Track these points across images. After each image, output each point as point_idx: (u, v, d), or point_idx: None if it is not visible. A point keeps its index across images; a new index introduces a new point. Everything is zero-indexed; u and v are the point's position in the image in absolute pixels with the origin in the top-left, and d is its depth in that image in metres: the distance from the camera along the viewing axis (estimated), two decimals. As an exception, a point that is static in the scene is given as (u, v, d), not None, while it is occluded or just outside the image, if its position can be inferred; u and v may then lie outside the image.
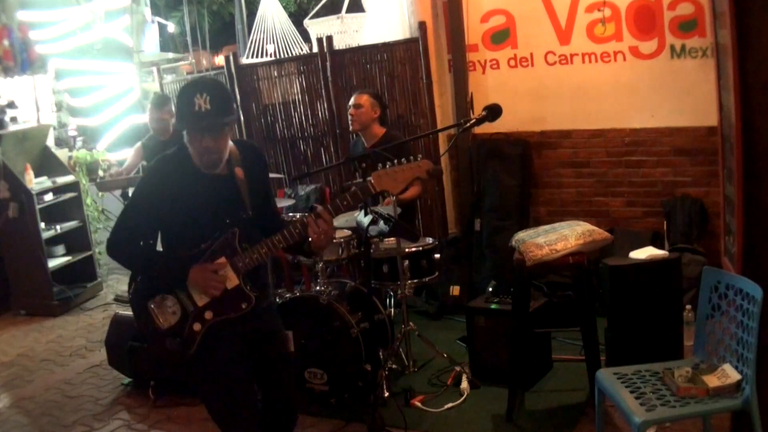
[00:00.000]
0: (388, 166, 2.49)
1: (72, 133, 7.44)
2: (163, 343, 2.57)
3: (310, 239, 2.53)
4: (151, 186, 2.55)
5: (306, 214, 2.55)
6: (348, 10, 7.43)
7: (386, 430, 3.47)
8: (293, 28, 8.33)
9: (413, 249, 4.03)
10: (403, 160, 2.50)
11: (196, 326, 2.54)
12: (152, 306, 2.58)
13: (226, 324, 2.56)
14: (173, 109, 5.34)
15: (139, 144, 5.57)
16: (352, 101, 4.64)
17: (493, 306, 3.91)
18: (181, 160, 2.52)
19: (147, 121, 5.58)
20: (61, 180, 6.35)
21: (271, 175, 5.60)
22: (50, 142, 6.74)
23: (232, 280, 2.53)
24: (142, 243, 2.59)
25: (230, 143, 2.55)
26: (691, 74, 4.59)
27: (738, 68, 2.69)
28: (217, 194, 2.53)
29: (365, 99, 4.56)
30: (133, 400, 4.26)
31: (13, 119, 6.52)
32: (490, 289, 4.05)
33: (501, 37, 5.18)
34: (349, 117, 4.63)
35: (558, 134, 5.14)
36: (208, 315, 2.54)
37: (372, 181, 2.49)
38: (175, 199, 2.49)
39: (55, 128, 7.12)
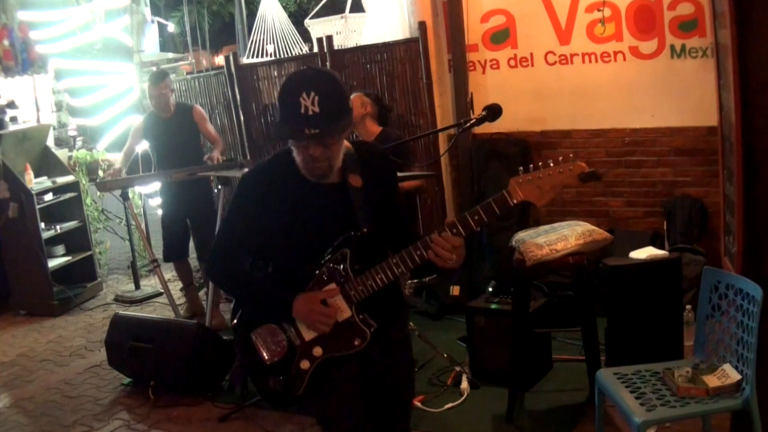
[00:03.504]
0: (531, 170, 2.02)
1: (72, 133, 7.45)
2: (267, 381, 2.21)
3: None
4: (248, 197, 2.14)
5: (432, 233, 2.07)
6: (349, 10, 7.44)
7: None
8: (293, 28, 8.34)
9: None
10: (549, 162, 2.00)
11: (304, 364, 2.15)
12: (256, 337, 2.19)
13: (341, 362, 2.15)
14: (171, 83, 5.34)
15: (138, 124, 5.50)
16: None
17: (493, 306, 3.91)
18: (282, 168, 2.11)
19: (147, 98, 5.51)
20: (61, 180, 6.35)
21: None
22: (50, 142, 6.74)
23: (344, 312, 2.12)
24: (243, 266, 2.22)
25: (346, 145, 2.14)
26: (691, 74, 4.59)
27: (738, 68, 2.69)
28: (326, 207, 2.12)
29: (357, 98, 4.54)
30: (133, 400, 4.26)
31: (13, 119, 6.53)
32: (490, 289, 4.05)
33: (501, 37, 5.18)
34: None
35: (558, 134, 5.14)
36: (317, 351, 2.14)
37: (510, 191, 2.01)
38: (276, 213, 2.11)
39: (54, 128, 7.12)
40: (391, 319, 2.25)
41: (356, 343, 2.13)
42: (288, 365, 2.16)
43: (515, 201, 2.00)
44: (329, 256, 2.12)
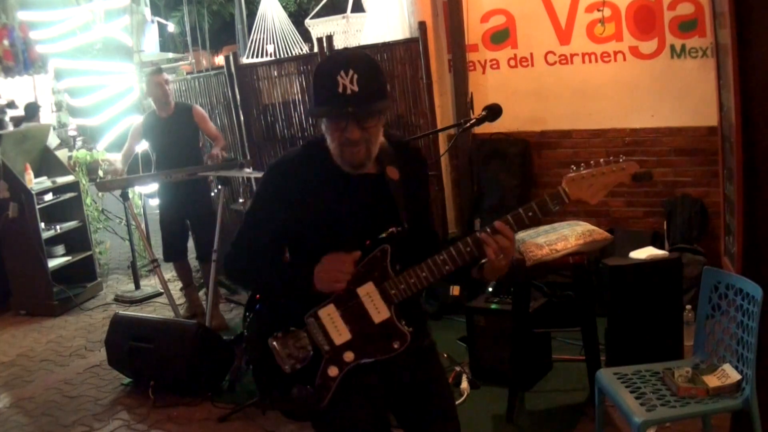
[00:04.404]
0: (582, 169, 1.94)
1: (72, 133, 7.45)
2: (289, 392, 1.98)
3: (482, 261, 1.99)
4: (274, 189, 1.99)
5: (480, 230, 1.96)
6: (350, 10, 7.45)
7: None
8: (293, 28, 8.34)
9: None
10: (601, 161, 1.96)
11: (332, 371, 1.96)
12: (274, 343, 1.99)
13: (369, 369, 1.97)
14: (167, 78, 5.35)
15: (138, 123, 5.50)
16: None
17: (493, 306, 3.91)
18: (314, 157, 1.98)
19: (146, 98, 5.52)
20: (61, 180, 6.35)
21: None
22: (54, 141, 6.74)
23: (382, 312, 1.95)
24: (264, 259, 2.05)
25: (381, 137, 2.00)
26: (691, 74, 4.59)
27: (738, 68, 2.69)
28: (364, 200, 1.98)
29: None
30: (133, 400, 4.26)
31: (13, 119, 6.54)
32: (490, 289, 4.04)
33: (501, 37, 5.18)
34: None
35: (558, 134, 5.15)
36: (348, 356, 1.96)
37: (565, 188, 1.93)
38: (306, 206, 1.95)
39: (54, 128, 7.13)
40: (419, 324, 2.07)
41: (395, 345, 1.96)
42: (312, 373, 1.96)
43: (570, 198, 1.93)
44: (367, 252, 1.96)
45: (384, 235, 1.96)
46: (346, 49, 1.74)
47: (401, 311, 1.97)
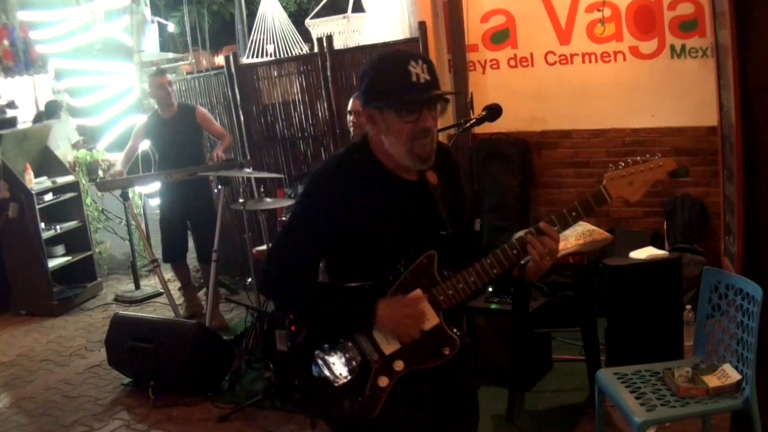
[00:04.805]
0: (621, 167, 1.94)
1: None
2: (340, 405, 1.93)
3: (522, 263, 1.96)
4: (322, 199, 1.89)
5: (526, 231, 1.93)
6: (350, 10, 7.45)
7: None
8: (293, 28, 8.34)
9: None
10: (638, 159, 1.96)
11: (382, 381, 1.90)
12: (322, 356, 1.94)
13: (418, 377, 1.93)
14: (170, 79, 5.35)
15: (141, 124, 5.50)
16: (349, 106, 4.63)
17: (493, 306, 3.91)
18: (360, 163, 1.92)
19: (147, 98, 5.52)
20: (61, 180, 6.35)
21: (271, 175, 5.67)
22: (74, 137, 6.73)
23: (431, 319, 1.91)
24: (309, 277, 1.98)
25: None
26: (691, 74, 4.59)
27: (738, 68, 2.69)
28: (410, 206, 1.92)
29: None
30: (133, 400, 4.26)
31: (13, 119, 6.54)
32: (490, 289, 4.04)
33: (501, 37, 5.18)
34: (350, 124, 4.62)
35: (558, 134, 5.15)
36: (399, 366, 1.91)
37: (607, 187, 1.93)
38: (356, 215, 1.87)
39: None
40: (461, 329, 2.03)
41: (446, 352, 1.92)
42: (361, 385, 1.90)
43: (612, 197, 1.92)
44: (412, 259, 1.91)
45: (424, 242, 1.92)
46: (394, 46, 1.71)
47: (450, 317, 1.94)
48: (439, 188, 1.97)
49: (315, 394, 1.98)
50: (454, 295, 1.91)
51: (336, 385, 1.91)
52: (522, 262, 1.94)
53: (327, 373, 1.92)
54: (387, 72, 1.83)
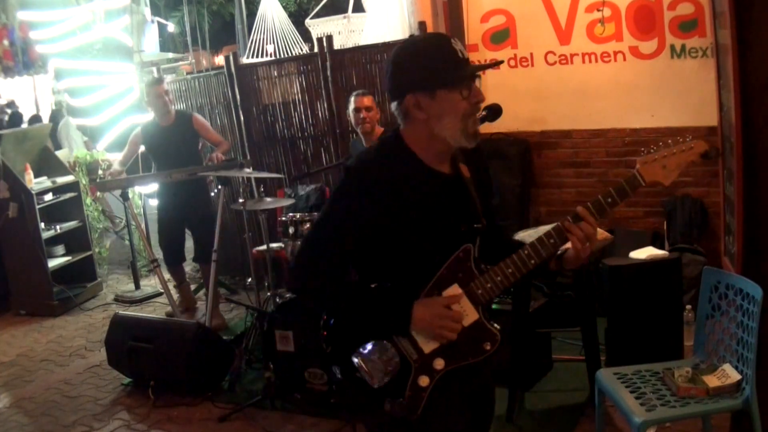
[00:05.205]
0: (653, 150, 1.92)
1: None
2: (380, 407, 1.86)
3: (559, 253, 1.92)
4: (359, 195, 1.82)
5: (563, 219, 1.89)
6: (351, 10, 7.46)
7: (386, 430, 3.46)
8: (293, 28, 8.34)
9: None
10: (669, 141, 1.93)
11: (423, 380, 1.86)
12: (359, 359, 1.87)
13: (458, 373, 1.88)
14: (167, 88, 5.37)
15: (138, 130, 5.51)
16: (357, 104, 4.63)
17: (493, 306, 3.90)
18: (396, 157, 1.85)
19: (146, 104, 5.54)
20: (61, 180, 6.35)
21: (271, 175, 5.67)
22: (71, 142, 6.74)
23: (470, 315, 1.87)
24: (341, 276, 1.90)
25: None
26: (691, 74, 4.59)
27: (738, 68, 2.69)
28: (445, 199, 1.88)
29: (371, 100, 4.61)
30: (133, 400, 4.26)
31: (13, 119, 6.54)
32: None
33: (501, 37, 5.18)
34: (362, 119, 4.61)
35: (558, 134, 5.15)
36: (439, 364, 1.86)
37: (640, 171, 1.89)
38: (395, 211, 1.81)
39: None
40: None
41: (487, 347, 1.88)
42: (401, 385, 1.85)
43: (646, 181, 1.89)
44: (447, 254, 1.86)
45: (460, 236, 1.88)
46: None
47: (488, 311, 1.90)
48: (472, 181, 1.94)
49: (354, 397, 1.92)
50: (492, 288, 1.86)
51: (375, 386, 1.85)
52: (559, 252, 1.90)
53: (365, 374, 1.86)
54: (434, 53, 1.78)
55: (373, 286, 1.89)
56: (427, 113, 1.80)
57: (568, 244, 1.88)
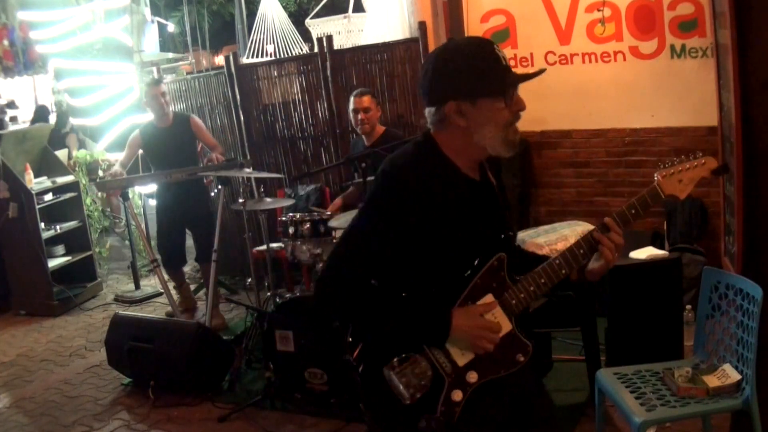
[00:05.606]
0: (669, 165, 1.94)
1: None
2: (415, 425, 1.79)
3: (586, 262, 1.90)
4: (397, 201, 1.74)
5: (591, 231, 1.88)
6: (351, 10, 7.46)
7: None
8: (293, 28, 8.34)
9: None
10: (682, 157, 1.96)
11: (456, 395, 1.79)
12: (392, 374, 1.79)
13: (490, 386, 1.83)
14: (165, 88, 5.38)
15: (136, 132, 5.51)
16: (355, 105, 4.64)
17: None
18: (434, 162, 1.80)
19: (144, 105, 5.55)
20: (61, 180, 6.35)
21: (271, 175, 5.67)
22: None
23: (504, 325, 1.84)
24: (372, 287, 1.82)
25: None
26: (691, 74, 4.59)
27: (738, 68, 2.69)
28: (478, 207, 1.83)
29: (370, 100, 4.62)
30: (133, 400, 4.26)
31: (13, 119, 6.54)
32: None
33: (501, 37, 5.17)
34: (360, 121, 4.63)
35: (558, 134, 5.14)
36: (472, 377, 1.80)
37: (660, 183, 1.92)
38: (430, 217, 1.74)
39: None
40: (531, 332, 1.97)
41: (520, 359, 1.83)
42: (433, 401, 1.78)
43: (665, 194, 1.91)
44: (481, 263, 1.82)
45: (492, 245, 1.84)
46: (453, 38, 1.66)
47: (520, 321, 1.87)
48: (498, 187, 1.92)
49: (386, 414, 1.84)
50: (525, 299, 1.85)
51: (407, 402, 1.77)
52: (583, 262, 1.90)
53: (397, 390, 1.79)
54: (478, 60, 1.74)
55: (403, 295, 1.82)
56: (468, 121, 1.76)
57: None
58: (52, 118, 7.94)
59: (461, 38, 1.87)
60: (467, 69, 1.74)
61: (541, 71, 1.90)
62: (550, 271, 1.85)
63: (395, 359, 1.79)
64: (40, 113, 7.67)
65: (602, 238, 1.85)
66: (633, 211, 1.89)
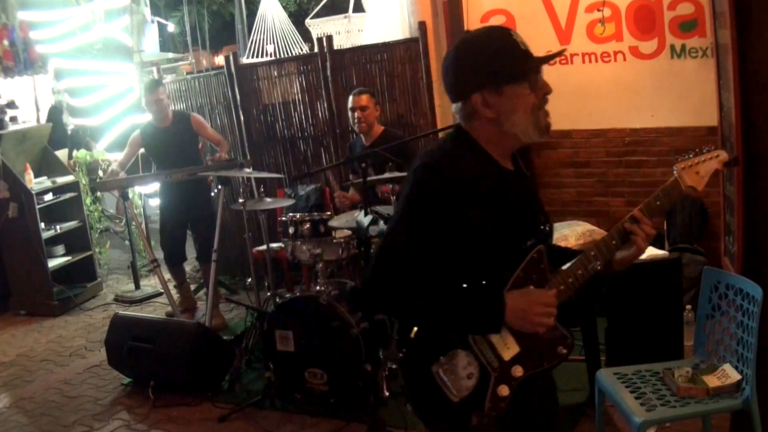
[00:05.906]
0: (687, 157, 1.95)
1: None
2: (466, 422, 1.78)
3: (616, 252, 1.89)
4: (438, 194, 1.72)
5: (622, 222, 1.90)
6: (351, 10, 7.45)
7: (386, 430, 3.47)
8: (293, 28, 8.33)
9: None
10: (696, 150, 1.97)
11: (503, 390, 1.79)
12: (440, 372, 1.78)
13: (532, 380, 1.83)
14: (166, 90, 5.38)
15: (136, 132, 5.51)
16: (353, 103, 4.64)
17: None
18: (472, 156, 1.79)
19: (144, 106, 5.56)
20: (61, 180, 6.35)
21: (271, 175, 5.67)
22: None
23: None
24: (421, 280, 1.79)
25: None
26: (691, 74, 4.59)
27: (738, 68, 2.69)
28: (515, 198, 1.83)
29: (368, 99, 4.61)
30: (133, 400, 4.26)
31: (13, 119, 6.54)
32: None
33: (501, 37, 5.17)
34: (356, 119, 4.63)
35: (558, 134, 5.14)
36: (517, 371, 1.80)
37: (681, 176, 1.91)
38: (472, 210, 1.73)
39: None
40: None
41: (562, 351, 1.83)
42: (479, 397, 1.77)
43: (685, 186, 1.91)
44: (522, 255, 1.80)
45: (532, 237, 1.82)
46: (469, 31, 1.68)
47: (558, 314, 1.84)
48: (531, 178, 1.91)
49: (434, 413, 1.82)
50: (565, 291, 1.82)
51: (455, 401, 1.77)
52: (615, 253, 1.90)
53: (445, 387, 1.78)
54: (497, 48, 1.73)
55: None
56: (496, 111, 1.75)
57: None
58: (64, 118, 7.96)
59: (476, 30, 1.85)
60: (487, 59, 1.73)
61: (561, 51, 1.89)
62: (586, 263, 1.84)
63: (442, 357, 1.78)
64: (54, 113, 7.67)
65: (634, 228, 1.85)
66: (658, 203, 1.90)
